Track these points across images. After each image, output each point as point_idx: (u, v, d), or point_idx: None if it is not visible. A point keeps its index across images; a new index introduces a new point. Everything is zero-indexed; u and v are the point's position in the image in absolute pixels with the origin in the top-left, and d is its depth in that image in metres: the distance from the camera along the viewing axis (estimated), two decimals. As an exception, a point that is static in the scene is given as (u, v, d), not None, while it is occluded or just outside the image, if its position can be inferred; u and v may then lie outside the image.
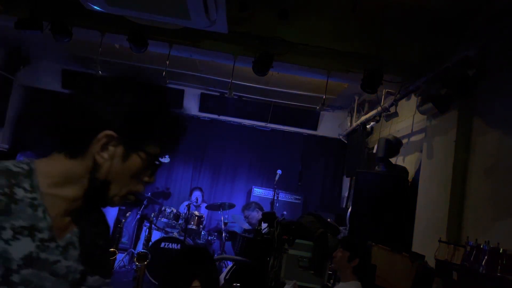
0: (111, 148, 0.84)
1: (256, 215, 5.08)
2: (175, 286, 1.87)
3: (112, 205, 0.90)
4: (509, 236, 2.58)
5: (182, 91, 7.10)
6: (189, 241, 5.43)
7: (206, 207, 6.39)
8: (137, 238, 6.27)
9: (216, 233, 6.07)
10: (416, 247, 3.60)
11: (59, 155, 0.85)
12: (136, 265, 4.93)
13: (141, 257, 4.79)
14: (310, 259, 3.41)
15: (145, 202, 6.18)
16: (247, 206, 5.24)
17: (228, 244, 5.88)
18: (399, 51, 3.92)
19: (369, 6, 3.53)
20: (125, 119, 0.83)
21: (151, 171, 0.91)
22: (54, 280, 0.84)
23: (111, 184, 0.86)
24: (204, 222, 6.12)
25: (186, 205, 5.57)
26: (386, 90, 4.61)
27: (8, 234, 0.78)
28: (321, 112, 7.06)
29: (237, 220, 6.11)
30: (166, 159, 5.94)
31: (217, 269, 2.21)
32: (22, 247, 0.79)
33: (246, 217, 5.16)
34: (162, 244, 5.12)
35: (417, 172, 4.13)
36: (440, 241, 3.11)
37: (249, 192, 6.87)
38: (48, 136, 0.86)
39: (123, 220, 5.65)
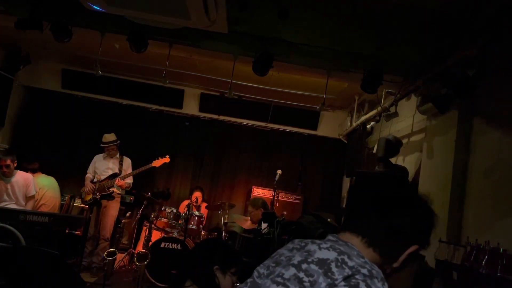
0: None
1: (259, 214, 5.03)
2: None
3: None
4: (509, 236, 2.58)
5: (182, 91, 7.10)
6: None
7: (206, 207, 6.38)
8: (137, 238, 6.27)
9: (216, 233, 6.06)
10: (416, 247, 3.59)
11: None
12: (136, 265, 4.93)
13: (141, 257, 4.79)
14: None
15: (145, 202, 6.18)
16: (254, 202, 5.12)
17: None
18: (399, 51, 3.92)
19: (369, 6, 3.53)
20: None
21: None
22: None
23: None
24: (204, 222, 6.11)
25: (186, 205, 5.57)
26: (386, 90, 4.60)
27: None
28: (321, 112, 7.06)
29: (237, 220, 6.09)
30: (165, 158, 5.89)
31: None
32: None
33: (249, 213, 5.09)
34: (162, 244, 5.12)
35: (417, 172, 4.13)
36: (440, 241, 3.11)
37: (249, 192, 6.86)
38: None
39: (123, 220, 5.64)
